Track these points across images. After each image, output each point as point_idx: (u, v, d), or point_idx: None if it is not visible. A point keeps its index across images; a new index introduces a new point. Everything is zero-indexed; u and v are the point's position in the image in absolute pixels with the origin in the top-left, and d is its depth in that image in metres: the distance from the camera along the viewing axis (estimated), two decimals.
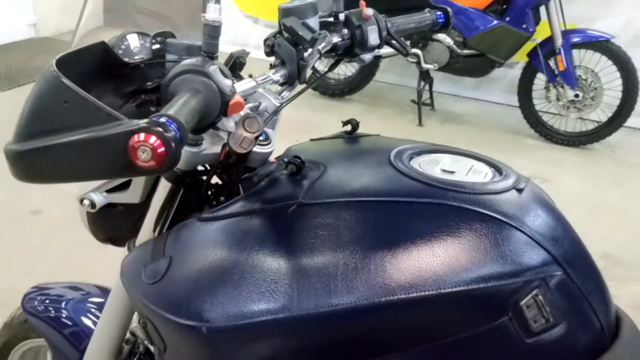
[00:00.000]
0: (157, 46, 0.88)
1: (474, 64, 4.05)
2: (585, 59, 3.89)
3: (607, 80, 3.87)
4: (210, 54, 0.74)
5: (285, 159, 0.82)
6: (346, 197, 0.76)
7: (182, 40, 0.86)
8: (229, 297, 0.72)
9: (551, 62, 3.91)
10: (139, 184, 0.93)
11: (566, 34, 3.82)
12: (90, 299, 1.26)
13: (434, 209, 0.73)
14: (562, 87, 3.89)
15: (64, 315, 1.23)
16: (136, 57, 0.87)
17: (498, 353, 0.70)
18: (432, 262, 0.69)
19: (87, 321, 1.22)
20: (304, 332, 0.71)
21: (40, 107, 0.66)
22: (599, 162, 3.75)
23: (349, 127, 0.96)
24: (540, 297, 0.70)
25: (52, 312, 1.24)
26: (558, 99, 3.95)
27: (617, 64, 3.81)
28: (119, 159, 0.62)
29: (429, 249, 0.70)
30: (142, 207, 0.95)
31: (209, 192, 0.88)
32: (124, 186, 0.95)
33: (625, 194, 3.33)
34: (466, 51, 3.98)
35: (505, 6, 3.92)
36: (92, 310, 1.24)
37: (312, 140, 0.92)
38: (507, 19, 3.88)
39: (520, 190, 0.77)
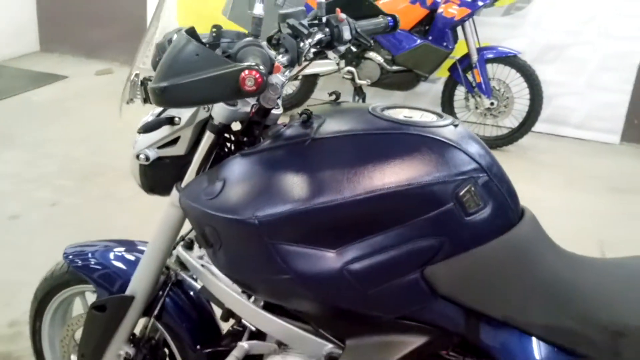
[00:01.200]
0: (214, 35, 1.21)
1: (402, 79, 4.53)
2: (498, 72, 4.45)
3: (516, 90, 4.44)
4: (257, 36, 1.10)
5: (299, 112, 1.19)
6: (342, 133, 1.13)
7: (232, 30, 1.20)
8: (270, 199, 1.08)
9: (469, 76, 4.44)
10: (185, 139, 1.27)
11: (480, 50, 4.37)
12: (123, 249, 1.56)
13: (401, 137, 1.11)
14: (479, 96, 4.43)
15: (101, 260, 1.53)
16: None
17: (448, 227, 1.07)
18: (402, 168, 1.07)
19: (119, 264, 1.52)
20: (317, 218, 1.07)
21: (176, 58, 1.00)
22: (514, 162, 4.29)
23: (333, 97, 1.33)
24: (473, 190, 1.08)
25: (91, 258, 1.53)
26: (476, 107, 4.49)
27: (524, 76, 4.39)
28: (232, 86, 0.98)
29: (399, 160, 1.08)
30: (185, 158, 1.29)
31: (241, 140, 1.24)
32: (172, 143, 1.29)
33: (538, 188, 3.84)
34: (395, 67, 4.45)
35: (427, 27, 4.43)
36: (125, 256, 1.54)
37: (309, 106, 1.28)
38: (430, 38, 4.39)
39: (455, 126, 1.16)
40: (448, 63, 4.48)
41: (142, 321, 1.51)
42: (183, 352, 1.49)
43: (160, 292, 1.47)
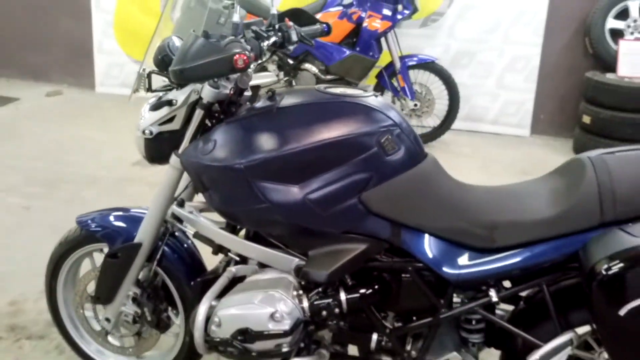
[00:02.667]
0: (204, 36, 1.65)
1: None
2: (419, 77, 5.04)
3: (436, 92, 5.04)
4: (235, 36, 1.56)
5: (266, 92, 1.65)
6: (299, 103, 1.60)
7: (218, 32, 1.64)
8: (250, 150, 1.53)
9: (394, 81, 5.01)
10: (180, 117, 1.70)
11: (403, 59, 4.94)
12: (125, 213, 1.97)
13: (339, 104, 1.59)
14: (404, 99, 5.00)
15: (109, 222, 1.93)
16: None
17: (374, 164, 1.54)
18: (341, 125, 1.54)
19: (123, 224, 1.93)
20: (285, 162, 1.52)
21: (190, 49, 1.47)
22: (438, 155, 4.76)
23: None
24: (390, 138, 1.56)
25: (100, 221, 1.93)
26: (402, 109, 5.05)
27: (443, 80, 4.99)
28: (228, 65, 1.45)
29: (339, 120, 1.55)
30: (179, 132, 1.72)
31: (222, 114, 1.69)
32: (169, 121, 1.72)
33: (459, 174, 4.34)
34: (329, 76, 4.96)
35: (355, 39, 4.97)
36: (126, 217, 1.95)
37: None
38: (357, 49, 4.93)
39: (376, 96, 1.65)
40: (375, 71, 5.04)
41: (144, 270, 1.92)
42: (180, 289, 1.91)
43: (160, 242, 1.89)
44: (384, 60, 4.97)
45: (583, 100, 4.98)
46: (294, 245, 1.67)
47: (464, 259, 1.57)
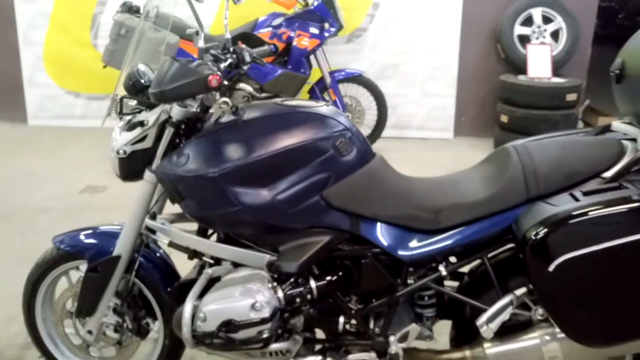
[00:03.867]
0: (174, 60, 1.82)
1: None
2: (349, 90, 5.33)
3: (366, 104, 5.34)
4: (202, 58, 1.75)
5: (230, 108, 1.84)
6: (261, 116, 1.80)
7: (184, 58, 1.82)
8: (222, 159, 1.72)
9: (326, 95, 5.27)
10: (151, 136, 1.87)
11: (332, 73, 5.22)
12: (98, 230, 2.11)
13: (296, 114, 1.80)
14: None
15: (84, 240, 2.06)
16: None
17: (332, 165, 1.76)
18: (300, 132, 1.75)
19: (98, 240, 2.06)
20: (254, 167, 1.72)
21: (167, 72, 1.66)
22: None
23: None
24: (343, 140, 1.79)
25: (76, 240, 2.06)
26: None
27: (370, 91, 5.30)
28: (203, 85, 1.65)
29: (297, 128, 1.76)
30: (150, 150, 1.89)
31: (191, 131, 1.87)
32: (142, 140, 1.88)
33: None
34: (263, 94, 5.17)
35: (286, 58, 5.21)
36: (100, 234, 2.08)
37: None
38: (289, 67, 5.17)
39: (328, 106, 1.88)
40: (307, 87, 5.30)
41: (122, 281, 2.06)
42: (157, 296, 2.06)
43: (136, 254, 2.03)
44: (314, 76, 5.24)
45: (500, 101, 5.41)
46: (265, 243, 1.86)
47: (414, 241, 1.81)
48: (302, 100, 1.92)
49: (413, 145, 5.68)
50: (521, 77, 5.31)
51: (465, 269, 1.94)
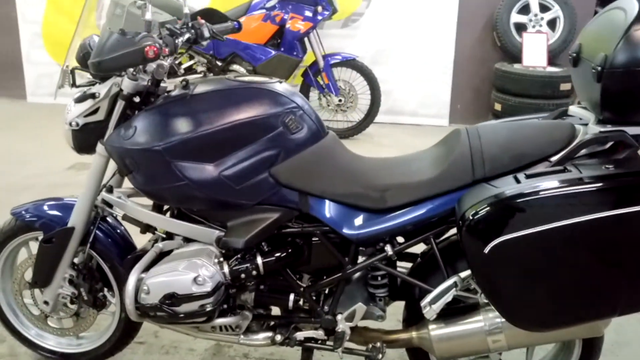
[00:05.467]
0: (121, 33, 1.82)
1: None
2: (343, 74, 5.31)
3: (359, 88, 5.32)
4: (149, 32, 1.75)
5: (180, 81, 1.85)
6: (211, 90, 1.80)
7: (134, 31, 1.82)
8: (168, 133, 1.72)
9: (319, 79, 5.26)
10: (103, 108, 1.87)
11: (326, 57, 5.20)
12: (57, 202, 2.12)
13: (247, 90, 1.79)
14: (330, 95, 5.26)
15: (43, 211, 2.08)
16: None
17: (281, 142, 1.76)
18: (249, 108, 1.75)
19: (56, 212, 2.08)
20: (200, 142, 1.72)
21: (106, 43, 1.66)
22: (362, 146, 5.13)
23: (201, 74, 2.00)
24: (293, 118, 1.79)
25: (35, 211, 2.08)
26: (328, 105, 5.32)
27: (364, 76, 5.27)
28: (141, 55, 1.65)
29: (247, 103, 1.76)
30: (103, 123, 1.89)
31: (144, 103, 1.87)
32: (94, 112, 1.89)
33: None
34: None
35: (279, 40, 5.20)
36: (59, 205, 2.10)
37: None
38: (282, 49, 5.15)
39: (281, 82, 1.87)
40: (301, 70, 5.28)
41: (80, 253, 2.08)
42: (113, 269, 2.08)
43: (92, 227, 2.05)
44: (309, 60, 5.23)
45: (494, 89, 5.37)
46: (214, 218, 1.87)
47: (361, 220, 1.80)
48: (256, 77, 1.91)
49: (406, 131, 5.66)
50: (516, 66, 5.26)
51: (417, 250, 1.94)
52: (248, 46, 5.12)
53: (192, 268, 1.78)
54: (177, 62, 5.28)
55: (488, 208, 1.55)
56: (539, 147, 1.71)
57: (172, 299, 1.77)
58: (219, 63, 5.12)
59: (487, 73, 5.61)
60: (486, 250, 1.54)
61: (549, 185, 1.54)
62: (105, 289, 2.15)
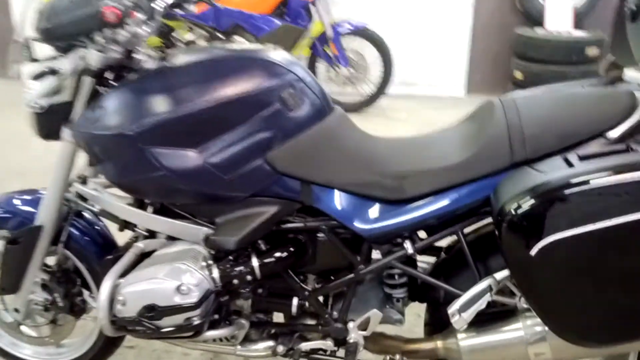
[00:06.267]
0: None
1: None
2: (352, 44, 4.98)
3: (370, 59, 5.00)
4: None
5: (157, 52, 1.55)
6: (192, 62, 1.50)
7: None
8: (141, 114, 1.43)
9: (327, 50, 4.94)
10: (69, 87, 1.58)
11: (334, 26, 4.86)
12: (27, 196, 1.85)
13: (237, 60, 1.49)
14: (339, 67, 4.94)
15: (9, 208, 1.81)
16: None
17: (278, 121, 1.46)
18: (239, 81, 1.45)
19: (25, 208, 1.81)
20: (179, 124, 1.42)
21: (56, 6, 1.37)
22: (374, 121, 4.83)
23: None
24: (292, 92, 1.49)
25: (3, 205, 1.81)
26: (337, 77, 4.99)
27: (375, 45, 4.94)
28: (96, 19, 1.37)
29: (236, 76, 1.46)
30: (69, 105, 1.60)
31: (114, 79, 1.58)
32: (59, 92, 1.60)
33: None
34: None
35: (284, 9, 4.87)
36: (28, 200, 1.82)
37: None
38: (287, 19, 4.83)
39: (277, 50, 1.57)
40: (309, 42, 4.95)
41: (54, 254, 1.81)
42: (92, 270, 1.81)
43: (64, 223, 1.77)
44: (316, 30, 4.89)
45: (514, 56, 5.02)
46: (201, 214, 1.59)
47: (375, 213, 1.51)
48: (246, 44, 1.61)
49: (420, 103, 5.33)
50: (538, 30, 4.90)
51: (442, 242, 1.65)
52: (251, 16, 4.79)
53: (175, 275, 1.50)
54: (176, 35, 4.97)
55: (536, 199, 1.24)
56: (591, 122, 1.40)
57: (153, 311, 1.49)
58: (220, 35, 4.80)
59: (506, 39, 5.25)
60: (533, 251, 1.24)
61: (614, 168, 1.23)
62: (86, 292, 1.89)
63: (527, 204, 1.24)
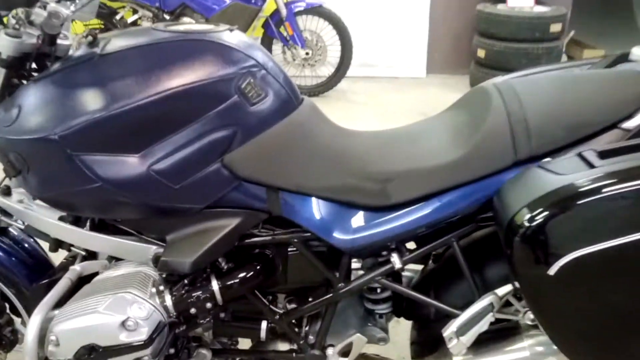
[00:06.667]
0: None
1: None
2: (309, 23, 4.70)
3: (328, 39, 4.74)
4: None
5: (84, 35, 1.27)
6: (128, 46, 1.23)
7: None
8: (66, 114, 1.16)
9: (282, 30, 4.66)
10: None
11: (288, 4, 4.58)
12: None
13: (182, 43, 1.23)
14: (295, 48, 4.67)
15: None
16: None
17: (236, 117, 1.21)
18: (186, 70, 1.19)
19: None
20: (114, 125, 1.16)
21: None
22: (334, 105, 4.59)
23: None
24: (252, 82, 1.24)
25: None
26: (294, 59, 4.72)
27: (333, 24, 4.68)
28: None
29: (183, 63, 1.20)
30: None
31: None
32: None
33: (356, 123, 4.17)
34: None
35: None
36: None
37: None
38: None
39: (231, 31, 1.31)
40: (262, 21, 4.65)
41: None
42: (20, 296, 1.53)
43: None
44: (269, 9, 4.60)
45: (476, 34, 4.84)
46: (148, 230, 1.33)
47: (356, 222, 1.29)
48: (195, 25, 1.35)
49: (380, 85, 5.11)
50: (500, 7, 4.71)
51: None
52: None
53: (119, 307, 1.24)
54: (118, 17, 4.62)
55: (554, 208, 1.03)
56: (603, 110, 1.21)
57: (93, 353, 1.23)
58: (167, 17, 4.46)
59: (467, 17, 5.06)
60: (553, 270, 1.03)
61: None
62: (18, 319, 1.61)
63: (545, 214, 1.03)
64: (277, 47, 4.76)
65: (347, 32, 4.68)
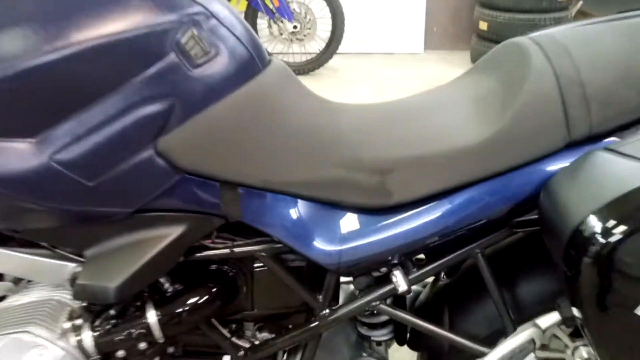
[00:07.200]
0: None
1: None
2: None
3: (318, 11, 4.37)
4: None
5: None
6: None
7: None
8: None
9: (267, 2, 4.28)
10: None
11: None
12: None
13: None
14: (282, 21, 4.30)
15: None
16: None
17: (173, 84, 0.87)
18: (103, 19, 0.84)
19: None
20: (4, 93, 0.82)
21: None
22: (325, 83, 4.24)
23: None
24: (197, 35, 0.88)
25: None
26: (281, 34, 4.35)
27: None
28: None
29: (97, 10, 0.85)
30: None
31: None
32: None
33: (350, 101, 3.84)
34: None
35: None
36: None
37: None
38: None
39: None
40: None
41: None
42: None
43: None
44: None
45: (477, 4, 4.49)
46: (63, 244, 0.98)
47: (345, 228, 0.94)
48: None
49: (375, 61, 4.76)
50: None
51: None
52: None
53: (15, 352, 0.89)
54: None
55: None
56: None
57: None
58: None
59: None
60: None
61: None
62: None
63: (632, 224, 0.68)
64: (262, 20, 4.39)
65: (338, 3, 4.32)
